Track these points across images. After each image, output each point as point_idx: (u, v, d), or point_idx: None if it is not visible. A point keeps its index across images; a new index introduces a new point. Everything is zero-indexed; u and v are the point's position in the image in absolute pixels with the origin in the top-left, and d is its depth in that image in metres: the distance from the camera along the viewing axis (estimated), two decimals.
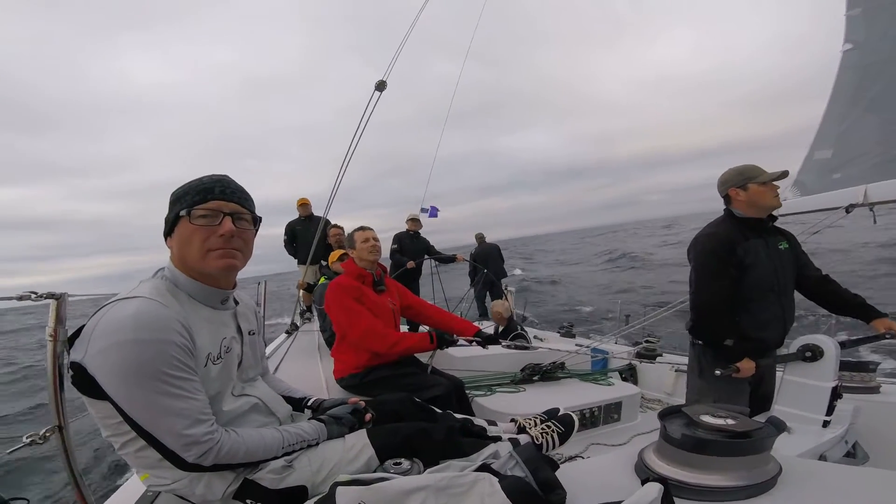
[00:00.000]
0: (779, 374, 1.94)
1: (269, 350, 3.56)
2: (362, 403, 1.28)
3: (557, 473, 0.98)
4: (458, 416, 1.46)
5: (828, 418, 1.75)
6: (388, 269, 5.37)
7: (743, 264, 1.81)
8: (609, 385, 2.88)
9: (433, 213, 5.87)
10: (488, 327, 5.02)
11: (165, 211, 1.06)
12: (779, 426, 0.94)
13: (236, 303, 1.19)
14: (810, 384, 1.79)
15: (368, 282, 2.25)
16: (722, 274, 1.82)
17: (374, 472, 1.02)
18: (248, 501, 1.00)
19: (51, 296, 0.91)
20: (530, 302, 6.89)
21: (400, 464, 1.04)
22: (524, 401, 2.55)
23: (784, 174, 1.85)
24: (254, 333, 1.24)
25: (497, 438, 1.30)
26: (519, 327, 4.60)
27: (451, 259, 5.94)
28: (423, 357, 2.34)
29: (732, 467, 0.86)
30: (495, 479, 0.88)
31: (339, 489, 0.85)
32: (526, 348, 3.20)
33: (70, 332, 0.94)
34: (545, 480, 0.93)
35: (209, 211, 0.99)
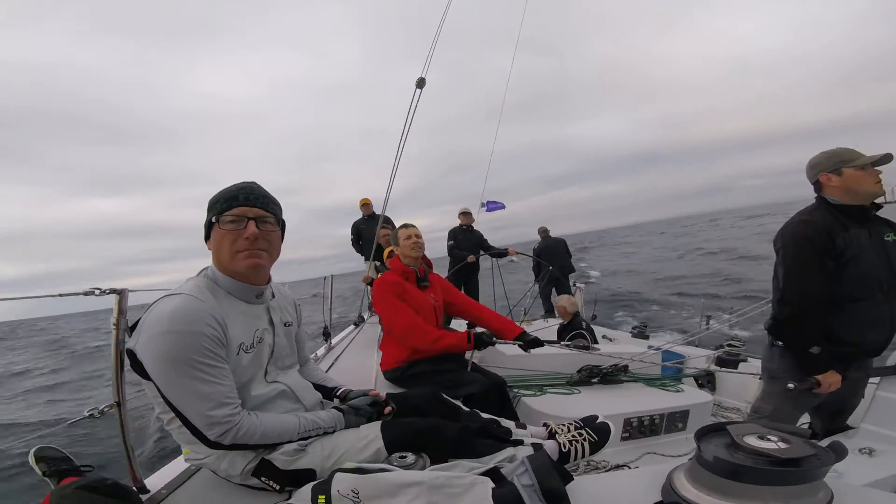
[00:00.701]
0: (870, 388, 1.61)
1: (334, 340, 3.82)
2: (383, 395, 1.32)
3: (574, 485, 0.92)
4: (484, 415, 1.44)
5: None
6: (448, 265, 5.43)
7: (843, 257, 1.53)
8: (678, 392, 2.62)
9: (490, 207, 5.79)
10: (553, 325, 4.82)
11: None
12: (839, 453, 0.78)
13: (273, 297, 1.29)
14: None
15: (412, 278, 2.30)
16: (817, 267, 1.55)
17: (381, 463, 1.04)
18: (263, 479, 1.09)
19: (113, 291, 1.07)
20: (595, 299, 6.49)
21: (405, 457, 1.06)
22: (576, 404, 2.41)
23: (887, 157, 1.54)
24: (290, 325, 1.33)
25: (519, 442, 1.25)
26: (584, 324, 4.35)
27: (503, 253, 5.79)
28: (468, 353, 2.34)
29: (770, 497, 0.74)
30: (490, 487, 0.85)
31: (338, 475, 0.89)
32: (584, 349, 3.01)
33: (131, 323, 1.11)
34: (551, 491, 0.88)
35: (235, 217, 1.09)
